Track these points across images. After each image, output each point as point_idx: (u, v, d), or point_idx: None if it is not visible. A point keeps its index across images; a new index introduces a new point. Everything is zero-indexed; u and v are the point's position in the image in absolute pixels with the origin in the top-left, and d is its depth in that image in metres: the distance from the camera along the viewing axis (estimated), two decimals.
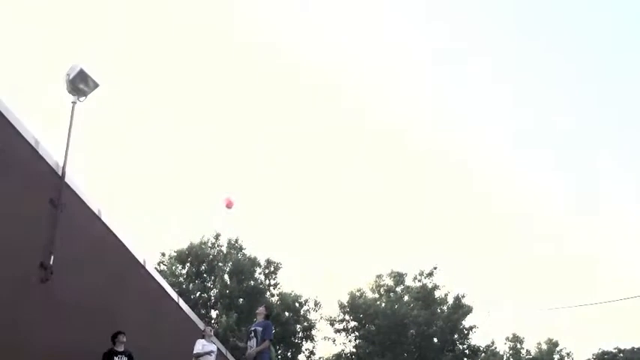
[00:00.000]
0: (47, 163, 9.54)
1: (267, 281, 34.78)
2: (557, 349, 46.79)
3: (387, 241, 69.91)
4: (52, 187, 9.68)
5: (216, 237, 33.97)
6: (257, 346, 10.56)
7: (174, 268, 32.42)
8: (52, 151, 9.62)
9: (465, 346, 36.69)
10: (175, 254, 32.98)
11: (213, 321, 29.47)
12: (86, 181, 10.92)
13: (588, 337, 69.52)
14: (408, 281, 38.13)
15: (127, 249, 12.34)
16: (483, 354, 38.98)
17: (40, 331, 9.07)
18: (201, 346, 12.20)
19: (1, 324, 8.17)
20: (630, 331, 74.58)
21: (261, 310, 11.19)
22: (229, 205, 9.43)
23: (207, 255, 33.23)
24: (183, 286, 30.83)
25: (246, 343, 10.80)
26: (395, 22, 74.29)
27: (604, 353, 48.04)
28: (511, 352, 47.40)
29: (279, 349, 34.05)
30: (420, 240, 70.03)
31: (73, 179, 10.31)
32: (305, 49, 76.94)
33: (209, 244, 33.79)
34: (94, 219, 11.05)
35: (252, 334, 10.71)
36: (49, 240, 9.38)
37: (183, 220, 67.99)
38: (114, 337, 10.63)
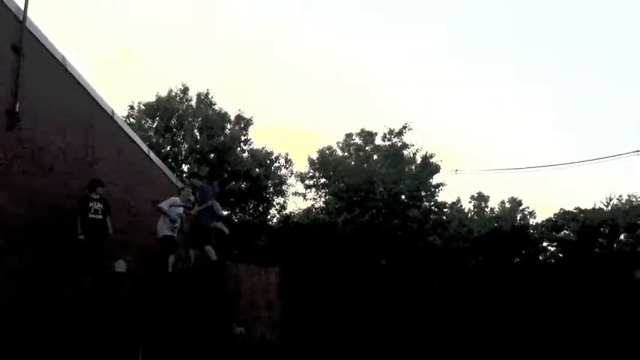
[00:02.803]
0: (7, 6, 9.01)
1: (239, 136, 34.64)
2: (520, 207, 48.48)
3: (357, 98, 69.84)
4: (12, 33, 9.18)
5: (184, 91, 33.22)
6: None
7: (143, 122, 31.94)
8: None
9: (431, 203, 37.75)
10: (144, 108, 32.33)
11: (184, 175, 29.63)
12: (49, 28, 10.30)
13: (550, 197, 72.45)
14: (378, 141, 38.45)
15: (93, 99, 11.99)
16: (449, 210, 40.27)
17: (11, 177, 8.94)
18: (167, 205, 12.01)
19: None
20: (590, 191, 77.66)
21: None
22: None
23: (177, 110, 32.68)
24: (153, 139, 30.51)
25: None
26: None
27: (565, 213, 49.81)
28: (475, 210, 49.11)
29: (250, 203, 34.74)
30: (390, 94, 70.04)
31: (35, 24, 9.77)
32: None
33: (177, 99, 33.15)
34: (57, 66, 10.60)
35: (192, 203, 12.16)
36: (13, 87, 9.05)
37: (149, 71, 66.39)
38: (92, 186, 10.61)
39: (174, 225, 11.87)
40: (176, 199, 12.42)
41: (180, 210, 12.19)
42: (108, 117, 12.85)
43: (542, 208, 64.18)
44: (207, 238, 11.76)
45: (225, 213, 31.37)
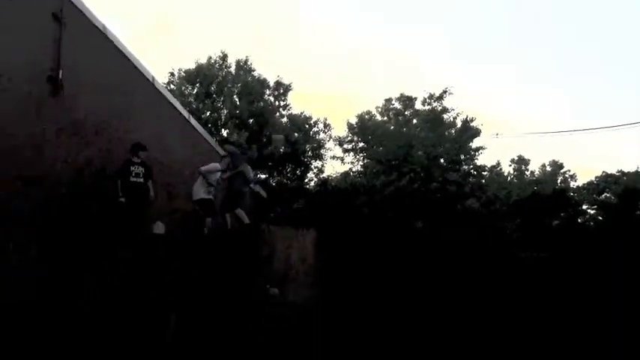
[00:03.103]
0: None
1: (277, 103, 34.85)
2: (562, 171, 47.71)
3: (398, 65, 69.10)
4: (53, 2, 9.44)
5: (223, 58, 33.45)
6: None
7: (183, 88, 32.36)
8: None
9: (470, 167, 37.43)
10: (184, 75, 32.72)
11: (217, 140, 30.07)
12: None
13: (593, 160, 71.03)
14: (418, 105, 38.14)
15: (134, 66, 12.27)
16: (488, 174, 39.87)
17: (52, 145, 9.31)
18: (207, 170, 12.21)
19: (15, 139, 8.38)
20: (633, 155, 75.79)
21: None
22: None
23: (216, 76, 32.98)
24: (193, 106, 30.96)
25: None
26: None
27: (607, 176, 48.96)
28: (515, 173, 48.50)
29: (288, 167, 35.01)
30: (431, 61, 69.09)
31: None
32: None
33: (216, 66, 33.42)
34: (98, 35, 10.88)
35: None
36: (55, 56, 9.34)
37: (186, 39, 66.70)
38: (133, 150, 10.88)
39: (210, 189, 12.12)
40: (216, 165, 12.63)
41: (218, 176, 12.45)
42: (149, 83, 13.10)
43: (584, 172, 63.14)
44: (240, 202, 11.97)
45: (262, 177, 31.87)
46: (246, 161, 12.59)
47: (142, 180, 10.81)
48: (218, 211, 12.37)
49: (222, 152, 15.00)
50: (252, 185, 12.63)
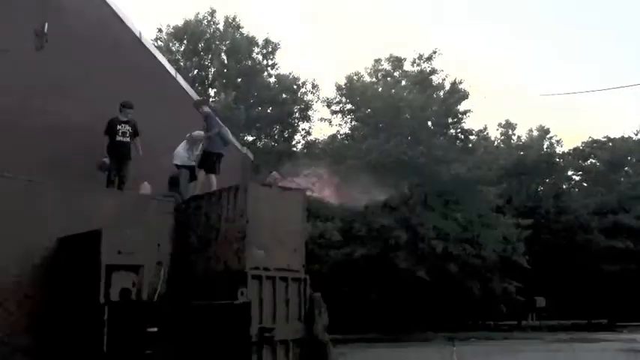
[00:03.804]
0: None
1: (265, 62, 34.42)
2: (548, 136, 47.77)
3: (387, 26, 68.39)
4: None
5: (212, 14, 32.84)
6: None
7: (170, 44, 31.84)
8: None
9: (457, 130, 37.42)
10: (172, 31, 32.13)
11: (211, 99, 29.70)
12: None
13: (580, 125, 71.34)
14: (407, 66, 37.90)
15: (120, 20, 11.98)
16: (475, 137, 39.87)
17: (38, 100, 9.13)
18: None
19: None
20: (622, 120, 76.27)
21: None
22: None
23: (204, 33, 32.42)
24: (181, 63, 30.47)
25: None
26: None
27: (593, 142, 49.18)
28: (502, 137, 48.55)
29: (275, 129, 34.80)
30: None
31: None
32: None
33: (204, 22, 32.84)
34: None
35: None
36: (40, 8, 9.10)
37: None
38: (120, 108, 10.67)
39: (193, 156, 11.86)
40: (201, 133, 12.33)
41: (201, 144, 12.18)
42: (135, 39, 12.82)
43: (571, 138, 63.42)
44: (216, 166, 11.66)
45: (251, 139, 31.66)
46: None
47: (128, 139, 10.63)
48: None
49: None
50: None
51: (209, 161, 11.53)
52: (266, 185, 9.16)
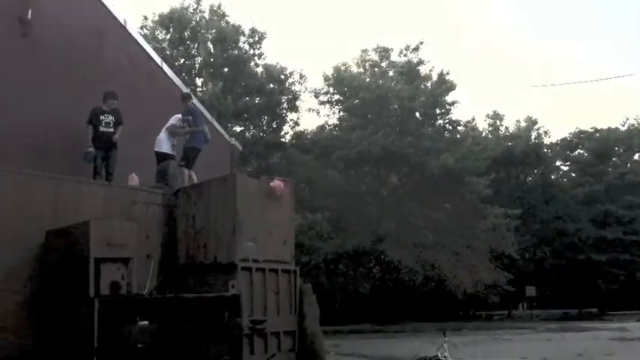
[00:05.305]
0: None
1: (252, 51, 34.08)
2: (536, 127, 47.91)
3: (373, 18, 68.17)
4: None
5: (198, 1, 32.45)
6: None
7: (156, 32, 31.43)
8: None
9: (445, 121, 37.44)
10: (158, 18, 31.68)
11: (198, 89, 29.38)
12: None
13: (567, 116, 71.63)
14: (394, 57, 37.82)
15: (105, 6, 11.71)
16: (463, 128, 39.93)
17: (21, 91, 8.90)
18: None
19: None
20: (608, 112, 76.72)
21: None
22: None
23: (190, 21, 32.03)
24: (167, 52, 30.05)
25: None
26: None
27: (580, 132, 49.53)
28: (490, 128, 48.71)
29: (263, 119, 34.62)
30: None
31: None
32: None
33: (190, 10, 32.47)
34: None
35: (186, 123, 11.52)
36: None
37: None
38: (104, 97, 10.47)
39: (173, 146, 11.68)
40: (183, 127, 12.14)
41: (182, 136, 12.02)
42: (120, 26, 12.56)
43: (559, 129, 63.67)
44: (193, 161, 11.52)
45: (239, 129, 31.43)
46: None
47: (111, 130, 10.43)
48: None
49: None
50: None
51: (192, 156, 11.44)
52: (254, 177, 9.01)
